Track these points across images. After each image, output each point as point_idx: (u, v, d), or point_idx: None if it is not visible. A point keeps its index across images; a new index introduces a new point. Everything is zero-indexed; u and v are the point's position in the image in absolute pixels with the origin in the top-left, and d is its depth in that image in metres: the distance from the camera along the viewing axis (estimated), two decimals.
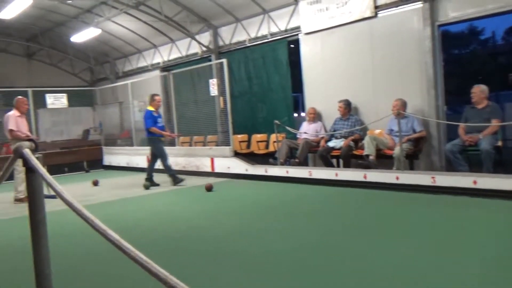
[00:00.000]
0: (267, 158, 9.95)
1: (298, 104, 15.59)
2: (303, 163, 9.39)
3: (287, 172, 8.73)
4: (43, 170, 1.69)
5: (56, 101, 13.45)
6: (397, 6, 8.60)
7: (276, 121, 9.23)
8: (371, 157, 7.91)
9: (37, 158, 1.74)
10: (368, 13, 8.96)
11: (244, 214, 6.30)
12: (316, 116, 9.89)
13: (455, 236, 4.42)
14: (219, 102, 11.23)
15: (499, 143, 7.04)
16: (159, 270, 1.15)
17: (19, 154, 1.71)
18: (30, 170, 1.74)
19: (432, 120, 8.03)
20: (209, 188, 8.24)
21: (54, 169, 12.40)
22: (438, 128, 8.14)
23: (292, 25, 10.59)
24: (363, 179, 7.47)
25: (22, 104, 8.43)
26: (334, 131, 9.13)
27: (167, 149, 9.85)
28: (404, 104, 7.98)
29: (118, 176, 11.94)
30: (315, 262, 3.91)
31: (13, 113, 8.28)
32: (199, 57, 13.08)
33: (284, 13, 10.72)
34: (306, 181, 8.26)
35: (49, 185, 1.67)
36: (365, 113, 9.17)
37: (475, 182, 6.16)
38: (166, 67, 14.22)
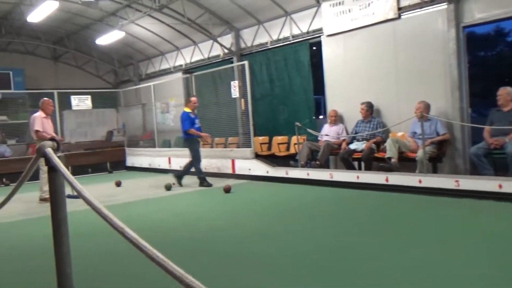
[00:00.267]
0: (288, 160, 9.92)
1: (320, 106, 15.53)
2: (324, 165, 9.33)
3: (308, 174, 8.70)
4: (64, 170, 1.72)
5: (81, 102, 13.70)
6: (421, 8, 8.49)
7: (297, 123, 9.20)
8: (393, 160, 7.82)
9: (59, 157, 1.77)
10: (391, 15, 8.86)
11: (264, 216, 6.30)
12: (338, 118, 9.83)
13: (479, 241, 4.33)
14: (240, 104, 11.27)
15: None
16: (175, 269, 1.16)
17: (41, 153, 1.75)
18: (52, 170, 1.77)
19: (456, 122, 7.89)
20: (227, 190, 8.29)
21: (78, 170, 12.65)
22: (463, 130, 8.00)
23: (314, 27, 10.55)
24: (385, 182, 7.39)
25: (48, 106, 8.61)
26: (356, 133, 9.06)
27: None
28: (427, 107, 7.87)
29: (141, 177, 12.08)
30: (334, 264, 3.89)
31: (39, 114, 8.46)
32: (221, 59, 13.15)
33: (306, 15, 10.69)
34: (327, 184, 8.22)
35: (70, 184, 1.71)
36: (388, 116, 9.07)
37: (500, 186, 6.03)
38: (189, 69, 14.34)
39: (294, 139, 10.13)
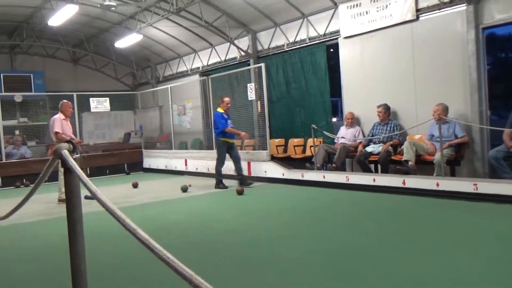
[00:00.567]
0: (303, 163, 9.90)
1: (337, 108, 15.46)
2: (340, 168, 9.30)
3: (324, 177, 8.67)
4: (80, 171, 1.75)
5: (99, 104, 13.88)
6: (439, 9, 8.40)
7: (314, 126, 9.18)
8: (410, 163, 7.74)
9: (74, 159, 1.81)
10: (409, 16, 8.79)
11: (279, 218, 6.30)
12: (354, 121, 9.78)
13: (498, 245, 4.26)
14: (256, 106, 11.29)
15: None
16: (185, 269, 1.17)
17: (58, 155, 1.79)
18: (67, 171, 1.81)
19: (475, 125, 7.77)
20: (240, 192, 8.32)
21: (96, 171, 12.83)
22: (482, 133, 7.88)
23: (331, 29, 10.52)
24: (401, 185, 7.32)
25: (67, 108, 8.75)
26: (373, 136, 9.00)
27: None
28: (445, 109, 7.77)
29: (157, 179, 12.18)
30: (348, 267, 3.87)
31: (59, 116, 8.61)
32: (237, 62, 13.20)
33: (323, 17, 10.67)
34: (343, 186, 8.18)
35: (85, 185, 1.74)
36: (405, 118, 8.99)
37: None
38: (205, 72, 14.43)
39: (310, 141, 10.10)
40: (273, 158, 10.24)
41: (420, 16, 8.68)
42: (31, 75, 15.30)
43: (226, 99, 9.61)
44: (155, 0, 11.60)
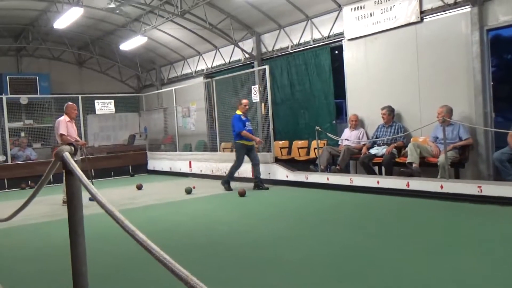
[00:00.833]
0: (307, 165, 9.90)
1: (342, 110, 15.44)
2: (344, 170, 9.29)
3: (328, 179, 8.66)
4: (80, 173, 1.77)
5: (104, 107, 13.94)
6: (443, 11, 8.39)
7: (318, 128, 9.18)
8: (414, 165, 7.73)
9: (76, 161, 1.82)
10: (413, 18, 8.78)
11: (283, 219, 6.30)
12: (358, 123, 9.77)
13: (502, 248, 4.25)
14: (261, 108, 11.30)
15: None
16: (181, 270, 1.19)
17: (59, 157, 1.81)
18: (68, 173, 1.83)
19: (480, 127, 7.75)
20: (242, 194, 8.34)
21: (100, 173, 12.87)
22: (486, 136, 7.85)
23: (335, 31, 10.53)
24: (405, 187, 7.31)
25: (72, 110, 8.80)
26: (377, 138, 8.99)
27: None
28: (449, 111, 7.76)
29: (161, 181, 12.22)
30: (351, 269, 3.88)
31: (63, 118, 8.65)
32: (242, 64, 13.22)
33: (327, 19, 10.68)
34: (347, 189, 8.17)
35: (85, 187, 1.75)
36: (409, 120, 8.97)
37: None
38: (210, 74, 14.47)
39: (314, 143, 10.10)
40: (277, 160, 10.25)
41: (424, 18, 8.67)
42: (37, 77, 15.40)
43: (244, 101, 9.57)
44: (159, 3, 11.65)
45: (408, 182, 7.32)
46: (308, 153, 10.92)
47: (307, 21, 11.17)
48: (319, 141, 9.37)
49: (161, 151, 14.73)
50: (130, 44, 14.10)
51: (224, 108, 12.47)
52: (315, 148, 9.83)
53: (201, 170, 12.24)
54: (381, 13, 9.32)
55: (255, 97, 10.67)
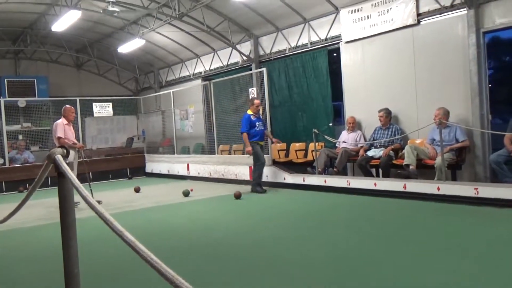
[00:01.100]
0: (305, 167, 9.91)
1: (340, 112, 15.47)
2: (342, 172, 9.30)
3: (325, 181, 8.68)
4: (72, 176, 1.78)
5: (102, 109, 13.95)
6: (440, 14, 8.42)
7: (315, 130, 9.20)
8: (411, 167, 7.74)
9: (67, 164, 1.83)
10: (410, 21, 8.81)
11: (281, 222, 6.30)
12: (356, 125, 9.78)
13: (497, 250, 4.26)
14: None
15: None
16: (167, 270, 1.20)
17: (52, 160, 1.82)
18: (60, 175, 1.83)
19: (476, 129, 7.77)
20: (238, 196, 8.36)
21: (98, 176, 12.86)
22: (483, 138, 7.87)
23: (332, 33, 10.56)
24: (402, 189, 7.32)
25: (69, 113, 8.80)
26: (374, 140, 9.01)
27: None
28: (446, 113, 7.78)
29: (159, 183, 12.22)
30: (349, 271, 3.88)
31: (61, 121, 8.66)
32: (240, 67, 13.25)
33: (325, 22, 10.71)
34: (344, 191, 8.18)
35: (76, 189, 1.76)
36: (406, 122, 8.99)
37: None
38: (208, 77, 14.48)
39: (311, 146, 10.12)
40: (275, 163, 10.27)
41: (421, 20, 8.70)
42: (35, 80, 15.40)
43: (256, 101, 9.48)
44: (157, 6, 11.67)
45: (405, 184, 7.33)
46: (305, 155, 10.94)
47: (305, 23, 11.20)
48: (316, 143, 9.38)
49: (159, 153, 14.73)
50: (128, 46, 14.12)
51: (222, 111, 12.49)
52: (312, 151, 9.84)
53: (199, 173, 12.25)
54: (378, 15, 9.35)
55: None
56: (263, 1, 10.72)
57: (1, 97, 13.29)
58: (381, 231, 5.36)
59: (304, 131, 11.29)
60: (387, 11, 9.17)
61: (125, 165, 14.31)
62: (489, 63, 8.26)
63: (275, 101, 12.03)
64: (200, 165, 12.23)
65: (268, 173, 9.93)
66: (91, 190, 8.99)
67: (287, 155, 11.41)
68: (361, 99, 9.91)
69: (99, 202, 8.77)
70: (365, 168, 8.81)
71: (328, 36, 10.66)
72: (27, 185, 12.09)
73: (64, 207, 1.89)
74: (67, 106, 8.95)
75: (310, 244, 4.92)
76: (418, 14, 8.69)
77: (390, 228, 5.52)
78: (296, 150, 11.13)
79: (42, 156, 13.80)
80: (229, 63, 13.70)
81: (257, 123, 9.28)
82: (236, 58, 13.34)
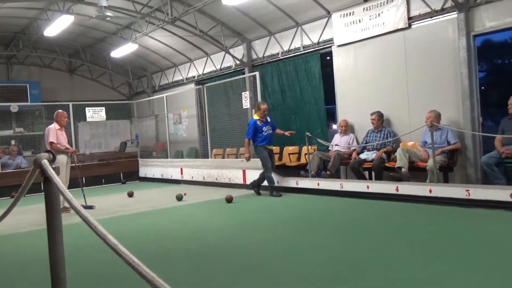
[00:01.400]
0: (298, 170, 9.93)
1: (334, 116, 15.52)
2: (335, 175, 9.32)
3: (318, 184, 8.70)
4: (58, 180, 1.78)
5: (95, 114, 13.92)
6: (431, 17, 8.48)
7: (308, 133, 9.22)
8: (403, 170, 7.78)
9: (53, 168, 1.83)
10: (401, 25, 8.87)
11: (274, 225, 6.31)
12: (348, 128, 9.82)
13: (487, 251, 4.29)
14: (251, 114, 11.31)
15: None
16: (148, 272, 1.21)
17: (38, 165, 1.82)
18: (47, 180, 1.84)
19: (468, 132, 7.82)
20: (229, 200, 8.38)
21: (91, 181, 12.83)
22: (474, 140, 7.92)
23: (325, 37, 10.61)
24: (395, 192, 7.35)
25: (62, 118, 8.77)
26: (367, 143, 9.04)
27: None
28: (438, 116, 7.83)
29: (153, 188, 12.19)
30: (343, 274, 3.89)
31: (53, 126, 8.63)
32: (233, 71, 13.27)
33: (317, 26, 10.76)
34: (337, 194, 8.20)
35: (62, 194, 1.76)
36: (398, 125, 9.04)
37: None
38: (201, 81, 14.49)
39: (304, 149, 10.14)
40: None
41: (412, 24, 8.76)
42: (27, 85, 15.37)
43: (263, 106, 9.33)
44: (150, 10, 11.69)
45: (397, 187, 7.36)
46: (299, 158, 10.96)
47: (297, 27, 11.25)
48: (309, 146, 9.40)
49: (152, 158, 14.71)
50: (121, 51, 14.11)
51: (215, 115, 12.50)
52: (305, 154, 9.87)
53: (192, 177, 12.23)
54: (370, 19, 9.40)
55: (246, 103, 10.70)
56: (256, 6, 10.76)
57: None
58: (373, 234, 5.37)
59: (298, 134, 11.29)
60: (379, 15, 9.23)
61: (119, 169, 14.27)
62: (481, 66, 8.34)
63: (268, 105, 12.00)
64: (194, 169, 12.22)
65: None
66: (84, 195, 8.98)
67: (280, 158, 11.42)
68: (354, 102, 9.95)
69: (92, 207, 8.75)
70: (358, 171, 8.84)
71: (321, 40, 10.71)
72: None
73: (51, 212, 1.89)
74: (59, 111, 8.92)
75: (302, 247, 4.93)
76: (409, 18, 8.75)
77: (382, 231, 5.53)
78: (289, 154, 11.15)
79: None
80: (222, 67, 13.73)
81: (264, 128, 9.18)
82: (229, 62, 13.37)
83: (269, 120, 9.38)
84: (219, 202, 8.71)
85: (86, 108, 13.82)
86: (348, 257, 4.43)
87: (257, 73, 10.42)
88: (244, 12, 11.29)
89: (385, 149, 8.63)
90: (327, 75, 10.96)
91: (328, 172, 9.14)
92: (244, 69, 12.75)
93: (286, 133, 9.47)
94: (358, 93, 9.85)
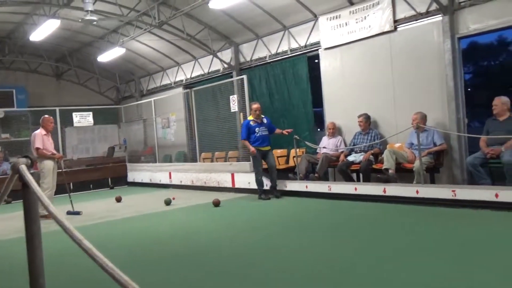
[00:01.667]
0: (287, 173, 9.94)
1: (322, 119, 15.57)
2: (323, 177, 9.35)
3: (307, 187, 8.72)
4: (35, 186, 1.77)
5: (82, 119, 13.82)
6: (416, 20, 8.56)
7: (296, 136, 9.25)
8: (390, 171, 7.83)
9: (32, 174, 1.82)
10: (387, 27, 8.94)
11: (262, 228, 6.31)
12: (336, 131, 9.86)
13: (474, 251, 4.33)
14: (239, 118, 11.32)
15: None
16: (121, 276, 1.20)
17: (16, 170, 1.81)
18: (24, 186, 1.82)
19: (453, 133, 7.90)
20: (216, 204, 8.37)
21: (79, 186, 12.72)
22: (459, 141, 8.00)
23: (312, 40, 10.65)
24: (382, 193, 7.39)
25: (48, 123, 8.70)
26: (354, 145, 9.09)
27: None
28: (423, 117, 7.90)
29: (141, 193, 12.12)
30: (330, 276, 3.90)
31: (40, 131, 8.56)
32: (220, 74, 13.27)
33: (304, 29, 10.80)
34: (326, 196, 8.23)
35: (39, 199, 1.75)
36: (385, 127, 9.10)
37: (497, 196, 6.03)
38: (189, 84, 14.48)
39: (293, 152, 10.16)
40: None
41: (398, 27, 8.83)
42: (14, 90, 15.24)
43: (254, 106, 9.25)
44: (137, 14, 11.65)
45: (384, 188, 7.41)
46: (287, 161, 10.97)
47: (284, 31, 11.28)
48: (297, 149, 9.43)
49: (141, 162, 14.63)
50: (108, 55, 14.04)
51: (203, 118, 12.47)
52: (294, 157, 9.88)
53: (181, 181, 12.20)
54: (356, 22, 9.47)
55: (234, 107, 10.71)
56: (243, 9, 10.78)
57: None
58: (360, 236, 5.40)
59: (285, 137, 11.29)
60: (365, 18, 9.29)
61: (107, 174, 14.17)
62: (467, 68, 8.43)
63: None
64: (182, 173, 12.18)
65: (251, 180, 9.92)
66: (71, 201, 8.90)
67: None
68: (341, 104, 10.00)
69: (79, 213, 8.68)
70: (346, 173, 8.88)
71: (308, 43, 10.76)
72: (6, 197, 11.87)
73: (29, 217, 1.88)
74: (46, 116, 8.85)
75: (290, 250, 4.93)
76: (395, 21, 8.83)
77: (369, 233, 5.56)
78: (277, 157, 11.13)
79: None
80: (210, 70, 13.72)
81: (256, 129, 9.10)
82: (217, 65, 13.37)
83: (265, 121, 9.30)
84: (207, 206, 8.69)
85: (73, 113, 13.71)
86: (336, 258, 4.44)
87: (244, 77, 10.43)
88: (231, 15, 11.31)
89: (372, 151, 8.68)
90: (315, 78, 10.99)
91: (316, 175, 9.16)
92: (232, 72, 12.76)
93: (284, 131, 9.38)
94: (345, 96, 9.90)
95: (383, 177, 7.98)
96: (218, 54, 12.89)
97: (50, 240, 5.01)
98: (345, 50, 9.84)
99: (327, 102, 10.40)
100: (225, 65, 12.88)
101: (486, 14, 7.61)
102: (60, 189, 9.08)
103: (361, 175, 8.74)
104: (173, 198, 9.43)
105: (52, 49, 15.43)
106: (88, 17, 10.44)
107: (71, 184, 11.21)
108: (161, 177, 12.99)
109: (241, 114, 10.86)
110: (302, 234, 5.72)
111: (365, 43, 9.41)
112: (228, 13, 11.18)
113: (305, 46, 10.83)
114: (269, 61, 11.80)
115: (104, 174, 14.11)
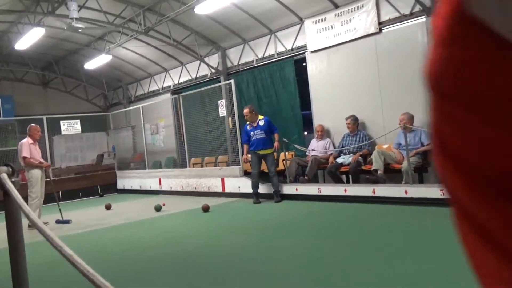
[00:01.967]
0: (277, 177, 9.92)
1: (311, 122, 15.60)
2: (313, 180, 9.37)
3: (297, 189, 8.74)
4: (16, 194, 1.75)
5: (70, 127, 13.73)
6: (400, 21, 8.64)
7: (285, 139, 9.27)
8: (379, 172, 7.86)
9: (13, 182, 1.81)
10: (372, 29, 9.01)
11: (254, 232, 6.31)
12: (324, 133, 9.90)
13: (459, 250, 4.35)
14: (228, 122, 11.33)
15: None
16: (102, 282, 1.20)
17: None
18: (6, 194, 1.81)
19: None
20: (206, 209, 8.37)
21: (68, 195, 12.61)
22: None
23: (298, 44, 10.70)
24: (372, 194, 7.43)
25: (35, 132, 8.63)
26: (343, 147, 9.12)
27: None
28: (411, 118, 7.95)
29: (131, 200, 12.05)
30: (323, 279, 3.90)
31: (27, 140, 8.48)
32: (208, 79, 13.26)
33: (290, 33, 10.85)
34: (316, 198, 8.25)
35: (20, 208, 1.74)
36: (373, 128, 9.15)
37: None
38: (177, 90, 14.44)
39: (282, 155, 10.16)
40: (246, 174, 10.25)
41: (382, 28, 8.90)
42: (0, 100, 15.07)
43: (245, 110, 9.27)
44: (123, 21, 11.62)
45: (374, 189, 7.45)
46: (277, 165, 10.94)
47: (271, 35, 11.32)
48: (287, 152, 9.44)
49: (130, 169, 14.55)
50: (95, 62, 13.98)
51: (192, 124, 12.45)
52: (283, 160, 9.90)
53: (171, 187, 12.15)
54: (342, 25, 9.53)
55: (222, 112, 10.70)
56: (229, 14, 10.79)
57: None
58: (350, 237, 5.42)
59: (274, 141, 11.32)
60: (350, 20, 9.36)
61: (96, 182, 14.07)
62: None
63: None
64: (172, 179, 12.14)
65: (241, 184, 9.94)
66: (60, 209, 8.82)
67: None
68: (329, 107, 10.04)
69: (68, 221, 8.60)
70: (335, 175, 8.91)
71: (294, 47, 10.80)
72: None
73: (11, 226, 1.86)
74: (33, 125, 8.78)
75: (280, 253, 4.93)
76: (380, 23, 8.90)
77: (359, 234, 5.59)
78: None
79: None
80: (197, 76, 13.71)
81: (251, 133, 9.09)
82: (204, 71, 13.36)
83: (261, 123, 9.22)
84: (197, 211, 8.67)
85: (61, 121, 13.62)
86: (325, 261, 4.44)
87: (232, 81, 10.44)
88: (217, 20, 11.32)
89: (361, 153, 8.72)
90: (302, 81, 11.04)
91: (306, 177, 9.18)
92: (219, 77, 12.76)
93: (275, 144, 9.29)
94: (333, 98, 9.95)
95: (372, 178, 8.01)
96: (205, 59, 12.89)
97: (37, 249, 4.97)
98: (331, 52, 9.90)
99: (315, 105, 10.44)
100: (213, 70, 12.87)
101: None
102: (49, 198, 8.99)
103: (350, 176, 8.77)
104: (163, 205, 9.39)
105: (38, 57, 15.31)
106: (73, 25, 10.40)
107: (60, 192, 11.14)
108: (151, 184, 12.93)
109: (230, 118, 10.87)
110: (291, 238, 5.72)
111: (351, 46, 9.46)
112: (214, 18, 11.19)
113: (292, 49, 10.87)
114: (256, 65, 11.83)
115: (93, 182, 14.00)
